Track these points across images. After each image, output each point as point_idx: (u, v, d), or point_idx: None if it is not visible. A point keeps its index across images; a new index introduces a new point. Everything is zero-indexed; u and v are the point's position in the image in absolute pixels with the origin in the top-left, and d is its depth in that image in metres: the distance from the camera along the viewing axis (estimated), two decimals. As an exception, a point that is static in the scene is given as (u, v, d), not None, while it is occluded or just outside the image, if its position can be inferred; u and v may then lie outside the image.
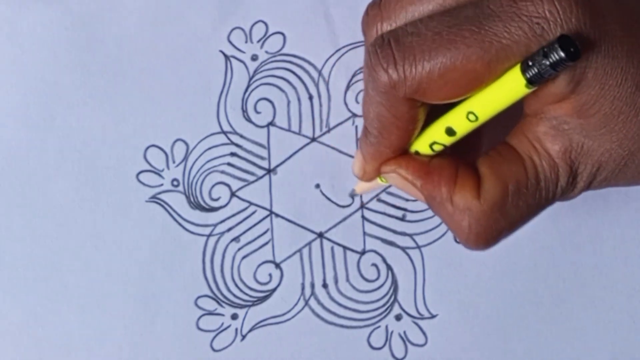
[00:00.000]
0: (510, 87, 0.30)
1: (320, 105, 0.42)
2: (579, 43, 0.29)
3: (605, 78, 0.30)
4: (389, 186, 0.41)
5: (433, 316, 0.42)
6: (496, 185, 0.33)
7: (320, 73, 0.42)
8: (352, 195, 0.42)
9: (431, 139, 0.34)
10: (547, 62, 0.29)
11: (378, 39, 0.32)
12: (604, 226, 0.42)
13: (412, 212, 0.42)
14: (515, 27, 0.29)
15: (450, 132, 0.33)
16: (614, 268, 0.42)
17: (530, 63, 0.29)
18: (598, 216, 0.42)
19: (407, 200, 0.42)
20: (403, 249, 0.42)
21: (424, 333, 0.41)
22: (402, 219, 0.42)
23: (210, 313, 0.41)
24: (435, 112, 0.34)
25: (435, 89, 0.31)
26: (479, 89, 0.31)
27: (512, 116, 0.34)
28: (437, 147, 0.34)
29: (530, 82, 0.29)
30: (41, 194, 0.42)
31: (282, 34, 0.42)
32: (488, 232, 0.33)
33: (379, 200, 0.42)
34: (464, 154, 0.35)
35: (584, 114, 0.31)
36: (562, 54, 0.28)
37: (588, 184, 0.34)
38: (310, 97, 0.42)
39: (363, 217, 0.42)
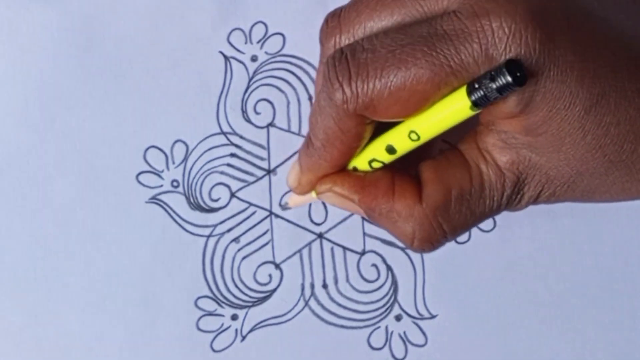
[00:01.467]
0: (455, 109, 0.30)
1: (320, 105, 0.42)
2: (527, 67, 0.29)
3: (553, 102, 0.30)
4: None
5: (433, 316, 0.42)
6: (439, 190, 0.33)
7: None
8: (284, 208, 0.42)
9: (371, 156, 0.34)
10: (494, 86, 0.29)
11: (337, 52, 0.32)
12: (603, 226, 0.42)
13: (411, 212, 0.42)
14: (465, 52, 0.30)
15: (390, 150, 0.34)
16: (614, 268, 0.42)
17: (476, 85, 0.29)
18: (598, 216, 0.42)
19: (406, 200, 0.42)
20: (403, 249, 0.42)
21: (424, 333, 0.41)
22: (402, 219, 0.42)
23: (210, 314, 0.41)
24: (377, 129, 0.34)
25: (385, 107, 0.31)
26: (424, 108, 0.31)
27: (469, 125, 0.34)
28: (375, 165, 0.35)
29: (475, 104, 0.30)
30: (41, 194, 0.42)
31: (282, 34, 0.42)
32: (432, 236, 0.34)
33: (379, 200, 0.42)
34: (411, 163, 0.35)
35: (532, 132, 0.31)
36: (509, 79, 0.28)
37: (535, 197, 0.34)
38: (310, 98, 0.42)
39: (363, 217, 0.42)
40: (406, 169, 0.35)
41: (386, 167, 0.35)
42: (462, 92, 0.30)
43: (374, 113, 0.32)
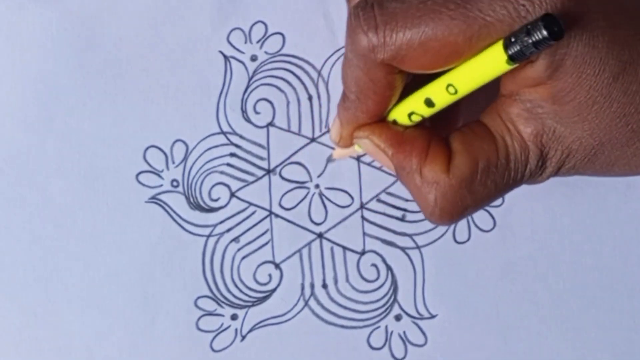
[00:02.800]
0: (491, 62, 0.30)
1: (320, 105, 0.42)
2: (563, 25, 0.29)
3: (583, 67, 0.30)
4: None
5: (433, 316, 0.42)
6: (466, 161, 0.33)
7: (319, 73, 0.42)
8: (329, 160, 0.41)
9: (410, 109, 0.34)
10: (530, 40, 0.29)
11: (362, 1, 0.32)
12: (603, 226, 0.42)
13: (411, 212, 0.42)
14: (500, 6, 0.30)
15: (429, 103, 0.33)
16: (614, 268, 0.42)
17: (512, 40, 0.29)
18: (598, 216, 0.42)
19: (406, 200, 0.42)
20: (403, 249, 0.42)
21: (423, 333, 0.41)
22: (402, 219, 0.42)
23: (210, 313, 0.41)
24: (417, 83, 0.34)
25: (414, 57, 0.31)
26: (459, 62, 0.31)
27: (490, 96, 0.34)
28: (415, 118, 0.34)
29: (511, 59, 0.29)
30: (41, 194, 0.42)
31: (282, 34, 0.42)
32: (453, 208, 0.33)
33: (379, 200, 0.42)
34: (440, 129, 0.35)
35: (559, 100, 0.31)
36: (545, 33, 0.28)
37: (557, 170, 0.34)
38: (310, 98, 0.42)
39: (363, 217, 0.42)
40: (441, 133, 0.35)
41: (425, 128, 0.35)
42: (499, 46, 0.30)
43: (403, 63, 0.31)
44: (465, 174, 0.33)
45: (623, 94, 0.31)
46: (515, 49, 0.29)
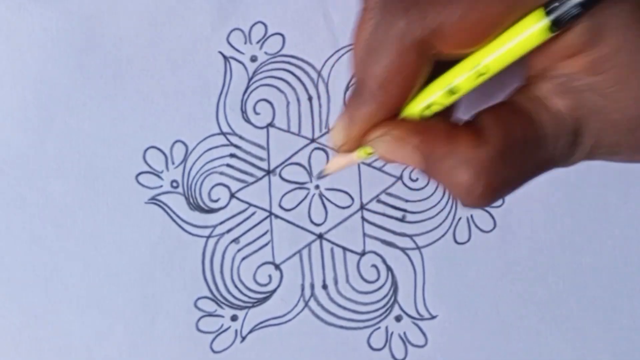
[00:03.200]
0: (531, 31, 0.29)
1: (320, 106, 0.42)
2: None
3: (624, 30, 0.29)
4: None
5: (433, 317, 0.42)
6: (500, 134, 0.31)
7: (319, 74, 0.42)
8: (320, 176, 0.41)
9: (429, 100, 0.32)
10: (576, 0, 0.27)
11: None
12: (603, 226, 0.42)
13: (411, 213, 0.42)
14: None
15: (452, 90, 0.31)
16: (614, 268, 0.42)
17: (556, 4, 0.28)
18: (598, 216, 0.42)
19: (406, 201, 0.42)
20: (403, 249, 0.42)
21: (424, 334, 0.41)
22: (402, 220, 0.42)
23: (210, 314, 0.41)
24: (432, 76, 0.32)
25: (454, 32, 0.29)
26: (491, 38, 0.30)
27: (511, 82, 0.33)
28: (435, 108, 0.32)
29: (554, 23, 0.28)
30: (41, 195, 0.41)
31: (282, 35, 0.42)
32: (492, 184, 0.31)
33: (379, 201, 0.42)
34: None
35: (599, 68, 0.30)
36: None
37: (590, 148, 0.32)
38: (310, 98, 0.42)
39: (363, 218, 0.42)
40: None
41: (442, 114, 0.32)
42: (539, 12, 0.28)
43: (441, 40, 0.30)
44: (503, 144, 0.31)
45: None
46: (559, 13, 0.28)
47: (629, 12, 0.29)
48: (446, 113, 0.33)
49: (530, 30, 0.29)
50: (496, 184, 0.31)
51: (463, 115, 0.33)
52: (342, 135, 0.33)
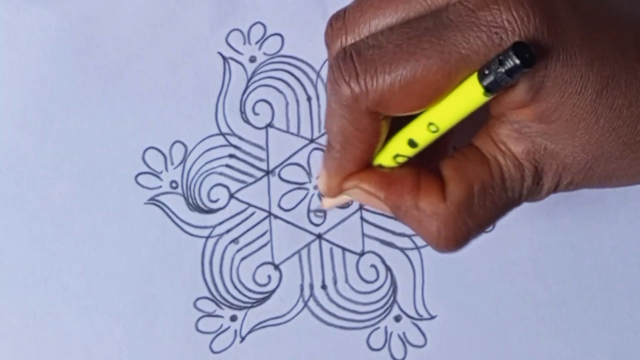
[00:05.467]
0: (468, 96, 0.30)
1: (319, 106, 0.42)
2: (535, 50, 0.29)
3: (564, 86, 0.30)
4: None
5: (432, 317, 0.42)
6: (461, 186, 0.33)
7: (318, 74, 0.42)
8: (317, 212, 0.42)
9: (394, 152, 0.34)
10: (503, 70, 0.28)
11: (340, 52, 0.32)
12: (603, 226, 0.42)
13: (411, 213, 0.42)
14: (474, 37, 0.29)
15: (412, 143, 0.33)
16: (614, 268, 0.42)
17: (486, 72, 0.29)
18: (598, 216, 0.42)
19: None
20: (402, 250, 0.42)
21: (423, 334, 0.41)
22: (401, 220, 0.42)
23: (210, 315, 0.41)
24: (398, 124, 0.34)
25: (397, 101, 0.31)
26: (439, 99, 0.31)
27: (481, 121, 0.34)
28: (400, 159, 0.34)
29: (487, 90, 0.29)
30: (40, 196, 0.42)
31: (281, 35, 0.42)
32: (457, 234, 0.33)
33: (378, 201, 0.42)
34: (430, 160, 0.35)
35: (545, 120, 0.31)
36: (517, 61, 0.28)
37: (555, 185, 0.34)
38: (309, 99, 0.42)
39: (362, 218, 0.42)
40: (430, 166, 0.35)
41: (412, 163, 0.35)
42: (474, 79, 0.30)
43: (387, 108, 0.31)
44: (462, 199, 0.33)
45: (609, 108, 0.31)
46: (490, 80, 0.29)
47: (566, 70, 0.30)
48: (436, 152, 0.35)
49: (468, 95, 0.30)
50: (459, 236, 0.33)
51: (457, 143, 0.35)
52: (324, 185, 0.37)
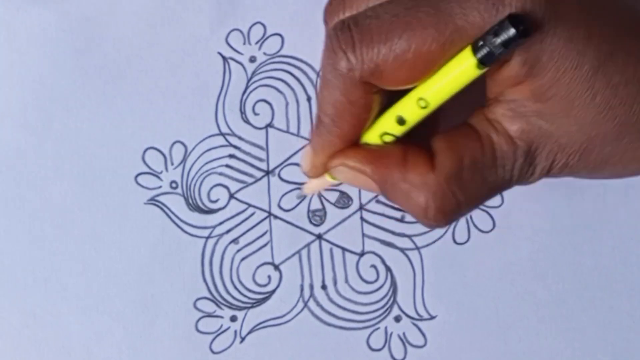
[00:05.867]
0: (461, 68, 0.30)
1: (319, 106, 0.42)
2: (532, 22, 0.28)
3: (560, 61, 0.30)
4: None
5: (432, 317, 0.42)
6: (451, 157, 0.33)
7: (318, 74, 0.42)
8: (300, 197, 0.41)
9: (382, 130, 0.34)
10: (498, 41, 0.28)
11: (338, 23, 0.32)
12: (603, 226, 0.42)
13: (411, 213, 0.42)
14: (470, 8, 0.29)
15: (400, 121, 0.33)
16: (614, 268, 0.42)
17: (481, 43, 0.29)
18: (598, 216, 0.42)
19: (405, 201, 0.42)
20: (402, 250, 0.42)
21: (423, 334, 0.41)
22: (401, 220, 0.42)
23: (210, 315, 0.41)
24: (388, 104, 0.34)
25: (391, 72, 0.31)
26: (431, 73, 0.31)
27: (473, 107, 0.34)
28: (387, 138, 0.34)
29: (481, 62, 0.29)
30: (40, 196, 0.42)
31: (280, 35, 0.42)
32: (446, 205, 0.33)
33: (378, 201, 0.42)
34: (418, 142, 0.35)
35: (541, 97, 0.31)
36: (513, 31, 0.28)
37: (548, 168, 0.33)
38: (309, 99, 0.42)
39: (362, 218, 0.42)
40: (417, 143, 0.34)
41: (398, 140, 0.34)
42: (468, 51, 0.29)
43: (381, 79, 0.31)
44: (452, 169, 0.33)
45: (606, 86, 0.31)
46: (484, 52, 0.29)
47: (562, 44, 0.30)
48: (426, 132, 0.34)
49: (461, 68, 0.30)
50: (448, 207, 0.33)
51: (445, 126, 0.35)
52: (307, 162, 0.37)
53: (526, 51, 0.30)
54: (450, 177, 0.33)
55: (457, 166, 0.33)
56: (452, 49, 0.30)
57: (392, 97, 0.33)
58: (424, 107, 0.32)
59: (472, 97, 0.32)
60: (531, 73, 0.30)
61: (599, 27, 0.30)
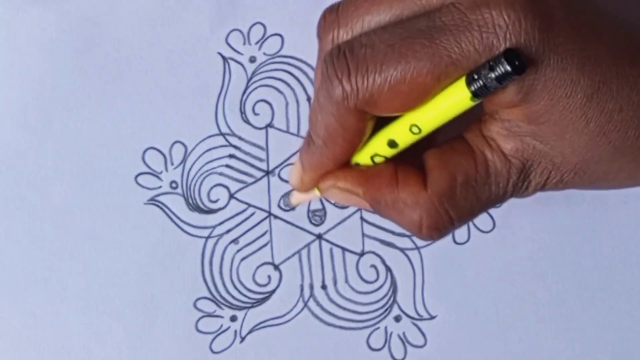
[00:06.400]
0: (454, 99, 0.30)
1: (319, 106, 0.42)
2: (526, 56, 0.29)
3: (554, 90, 0.30)
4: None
5: (432, 317, 0.42)
6: (444, 175, 0.33)
7: (317, 77, 0.42)
8: (286, 207, 0.42)
9: (373, 151, 0.34)
10: (493, 75, 0.29)
11: (334, 49, 0.32)
12: (603, 226, 0.42)
13: (411, 213, 0.42)
14: (465, 42, 0.30)
15: (392, 144, 0.33)
16: (614, 268, 0.42)
17: (475, 76, 0.29)
18: (598, 216, 0.42)
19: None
20: (402, 250, 0.42)
21: (423, 334, 0.41)
22: (401, 220, 0.42)
23: (210, 315, 0.41)
24: (378, 124, 0.34)
25: (386, 101, 0.31)
26: (424, 101, 0.31)
27: (468, 121, 0.34)
28: (378, 159, 0.34)
29: (474, 94, 0.29)
30: (40, 196, 0.42)
31: (280, 35, 0.42)
32: (439, 223, 0.33)
33: (378, 201, 0.42)
34: (409, 159, 0.35)
35: (535, 121, 0.31)
36: (508, 67, 0.28)
37: (543, 184, 0.34)
38: (309, 99, 0.42)
39: (362, 218, 0.42)
40: (409, 160, 0.35)
41: (388, 159, 0.35)
42: (462, 83, 0.30)
43: (375, 108, 0.32)
44: (444, 188, 0.33)
45: (599, 112, 0.31)
46: (478, 85, 0.29)
47: (556, 74, 0.30)
48: (410, 146, 0.35)
49: (454, 98, 0.30)
50: (441, 225, 0.34)
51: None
52: (296, 178, 0.36)
53: (521, 80, 0.30)
54: (442, 196, 0.33)
55: (450, 185, 0.33)
56: (446, 81, 0.30)
57: (383, 118, 0.33)
58: (417, 133, 0.32)
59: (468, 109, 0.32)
60: (525, 99, 0.30)
61: (592, 54, 0.31)
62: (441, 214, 0.33)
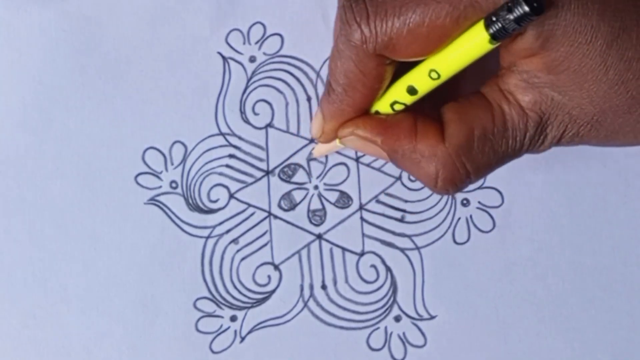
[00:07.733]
0: (473, 43, 0.30)
1: (319, 106, 0.42)
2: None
3: (574, 36, 0.30)
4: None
5: (432, 317, 0.42)
6: (461, 129, 0.33)
7: (318, 74, 0.42)
8: (309, 160, 0.41)
9: (392, 98, 0.34)
10: (511, 17, 0.28)
11: None
12: (603, 226, 0.42)
13: (411, 213, 0.42)
14: None
15: (411, 91, 0.33)
16: (614, 268, 0.42)
17: (494, 18, 0.29)
18: (598, 216, 0.42)
19: (406, 201, 0.42)
20: (402, 250, 0.42)
21: (423, 334, 0.41)
22: (401, 220, 0.42)
23: (210, 315, 0.41)
24: (398, 72, 0.34)
25: (405, 45, 0.31)
26: (443, 45, 0.31)
27: (487, 76, 0.34)
28: (398, 107, 0.34)
29: (493, 37, 0.29)
30: (40, 196, 0.42)
31: (280, 35, 0.42)
32: (456, 176, 0.34)
33: (378, 201, 0.42)
34: (429, 110, 0.35)
35: (554, 70, 0.31)
36: (526, 8, 0.28)
37: (559, 138, 0.34)
38: (309, 99, 0.42)
39: (362, 218, 0.42)
40: (428, 114, 0.35)
41: (408, 109, 0.35)
42: (480, 26, 0.30)
43: (394, 52, 0.32)
44: (461, 141, 0.33)
45: (619, 60, 0.31)
46: (497, 27, 0.29)
47: (577, 19, 0.30)
48: (444, 94, 0.35)
49: (473, 42, 0.30)
50: (457, 178, 0.34)
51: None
52: (317, 128, 0.37)
53: (540, 25, 0.30)
54: (460, 149, 0.33)
55: (468, 138, 0.33)
56: (465, 24, 0.30)
57: (403, 66, 0.33)
58: (436, 79, 0.32)
59: (485, 64, 0.32)
60: (545, 46, 0.30)
61: (614, 1, 0.30)
62: (458, 167, 0.33)
